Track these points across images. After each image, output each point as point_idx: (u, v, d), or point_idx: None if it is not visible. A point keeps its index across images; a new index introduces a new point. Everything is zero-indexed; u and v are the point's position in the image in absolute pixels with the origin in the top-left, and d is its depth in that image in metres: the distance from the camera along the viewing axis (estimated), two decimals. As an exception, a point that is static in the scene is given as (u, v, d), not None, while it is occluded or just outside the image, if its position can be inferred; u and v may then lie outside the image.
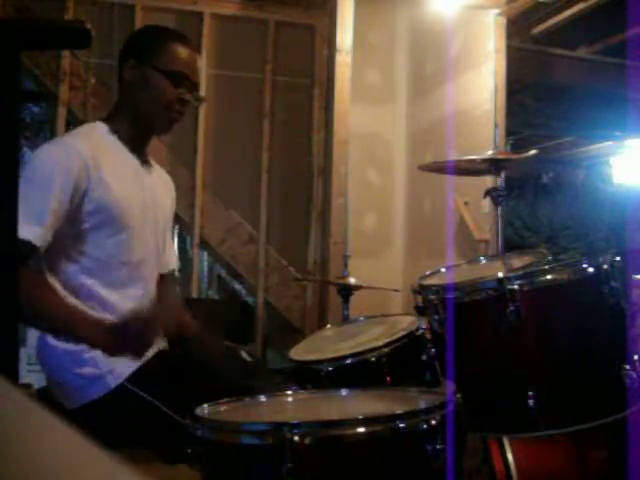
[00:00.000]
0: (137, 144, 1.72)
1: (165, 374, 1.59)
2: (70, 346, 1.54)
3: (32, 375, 3.04)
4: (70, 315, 1.52)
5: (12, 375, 0.88)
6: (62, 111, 3.37)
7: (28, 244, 1.44)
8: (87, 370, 1.53)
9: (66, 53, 3.33)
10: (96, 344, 1.50)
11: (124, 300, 1.63)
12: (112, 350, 1.50)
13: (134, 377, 1.54)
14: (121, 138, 1.68)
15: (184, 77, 1.68)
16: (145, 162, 1.75)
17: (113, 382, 1.53)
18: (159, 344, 1.66)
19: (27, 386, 2.61)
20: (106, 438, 1.35)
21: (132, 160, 1.70)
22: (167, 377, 1.59)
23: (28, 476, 0.30)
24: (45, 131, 3.61)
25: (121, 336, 1.48)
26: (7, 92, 0.72)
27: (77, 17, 3.31)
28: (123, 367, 1.54)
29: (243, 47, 3.67)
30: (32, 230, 1.44)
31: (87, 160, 1.55)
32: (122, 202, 1.61)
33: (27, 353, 3.10)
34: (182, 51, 1.69)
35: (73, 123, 3.45)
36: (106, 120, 1.71)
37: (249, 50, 3.70)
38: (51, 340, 1.57)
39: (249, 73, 3.66)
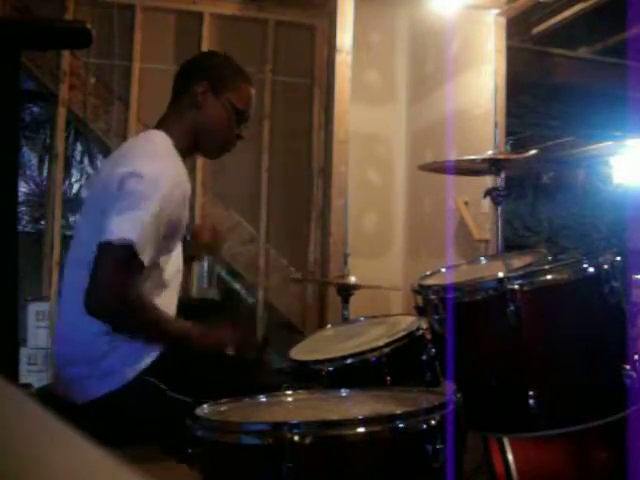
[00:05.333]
0: (185, 157, 1.77)
1: (183, 365, 1.63)
2: (92, 340, 1.57)
3: (32, 375, 3.04)
4: (185, 334, 1.63)
5: (12, 375, 0.88)
6: (62, 111, 3.37)
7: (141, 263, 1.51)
8: (104, 363, 1.56)
9: (66, 53, 3.33)
10: (211, 348, 1.64)
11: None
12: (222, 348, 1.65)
13: (152, 369, 1.57)
14: (178, 151, 1.72)
15: (248, 116, 1.82)
16: None
17: (131, 373, 1.55)
18: None
19: (27, 386, 2.61)
20: (119, 430, 1.37)
21: (187, 174, 1.75)
22: (185, 368, 1.63)
23: (29, 476, 0.30)
24: (45, 131, 3.61)
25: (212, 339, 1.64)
26: (7, 92, 0.72)
27: (77, 17, 3.31)
28: (139, 359, 1.57)
29: (243, 47, 3.66)
30: (147, 250, 1.51)
31: (185, 176, 1.68)
32: (184, 215, 1.70)
33: (27, 353, 3.10)
34: (252, 92, 1.83)
35: (73, 123, 3.45)
36: (164, 130, 1.73)
37: (249, 50, 3.69)
38: (73, 334, 1.59)
39: (249, 73, 3.65)
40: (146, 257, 1.51)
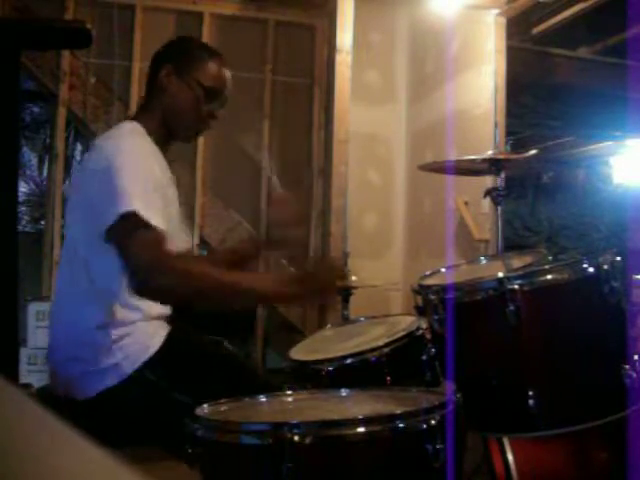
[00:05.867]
0: (164, 145, 1.76)
1: (181, 360, 1.62)
2: (90, 335, 1.56)
3: (32, 375, 3.04)
4: (256, 282, 1.60)
5: (12, 375, 0.88)
6: (62, 111, 3.37)
7: (157, 229, 1.47)
8: (104, 358, 1.55)
9: (66, 53, 3.33)
10: (287, 298, 1.62)
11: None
12: (302, 300, 1.65)
13: (151, 363, 1.56)
14: (154, 139, 1.71)
15: (220, 94, 1.76)
16: (168, 162, 1.79)
17: (130, 368, 1.55)
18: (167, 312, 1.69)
19: (27, 386, 2.61)
20: (118, 426, 1.36)
21: (164, 161, 1.74)
22: (183, 363, 1.62)
23: (29, 476, 0.30)
24: (45, 131, 3.61)
25: (309, 285, 1.55)
26: (7, 92, 0.72)
27: (77, 17, 3.31)
28: (139, 354, 1.56)
29: (243, 47, 3.67)
30: (147, 209, 1.46)
31: (158, 155, 1.67)
32: (166, 202, 1.65)
33: (27, 353, 3.10)
34: (222, 70, 1.77)
35: (73, 123, 3.45)
36: (137, 120, 1.72)
37: (249, 50, 3.70)
38: (71, 331, 1.59)
39: (249, 73, 3.66)
40: (151, 216, 1.47)
